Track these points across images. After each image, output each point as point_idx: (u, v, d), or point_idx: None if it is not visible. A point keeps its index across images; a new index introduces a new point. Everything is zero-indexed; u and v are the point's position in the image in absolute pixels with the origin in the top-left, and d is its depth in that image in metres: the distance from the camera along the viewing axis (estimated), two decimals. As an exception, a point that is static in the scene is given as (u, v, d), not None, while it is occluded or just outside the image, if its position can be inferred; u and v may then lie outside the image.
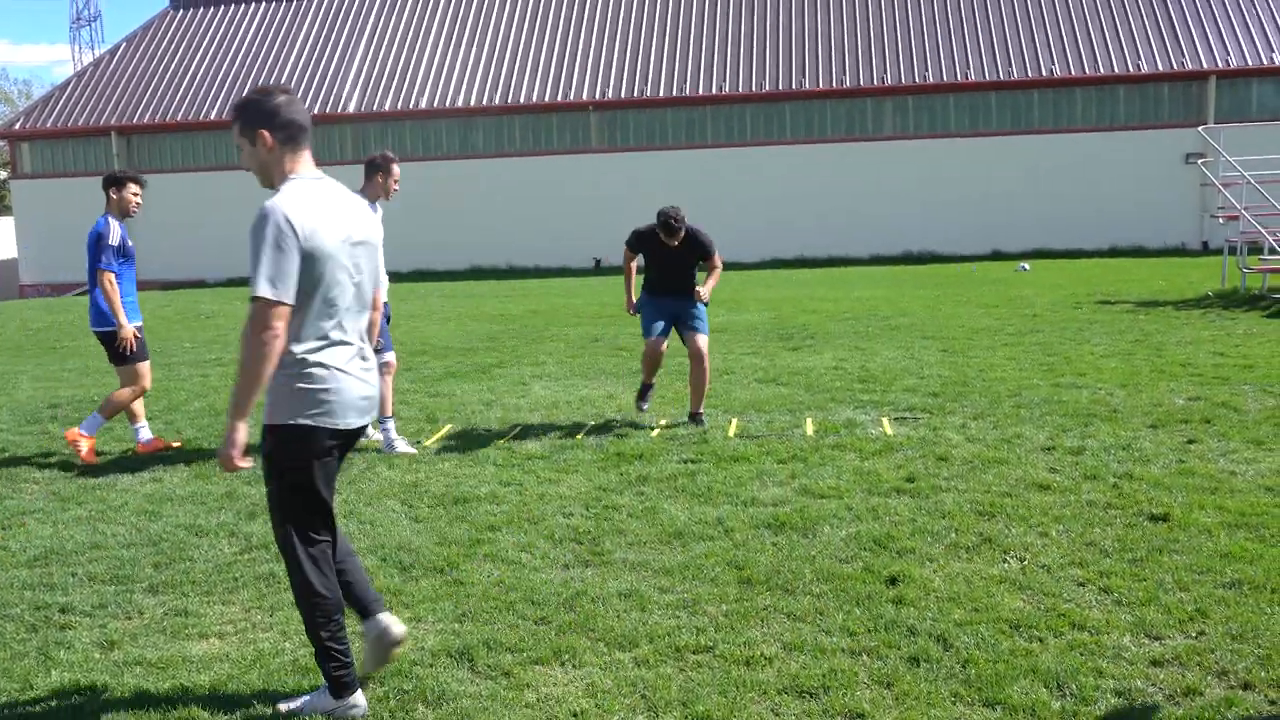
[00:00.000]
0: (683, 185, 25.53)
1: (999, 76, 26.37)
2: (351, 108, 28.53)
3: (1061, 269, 21.02)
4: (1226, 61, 25.70)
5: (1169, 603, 4.13)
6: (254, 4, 31.97)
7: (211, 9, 32.13)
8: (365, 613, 3.63)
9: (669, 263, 7.70)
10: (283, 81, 29.35)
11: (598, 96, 27.82)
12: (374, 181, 7.22)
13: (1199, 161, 22.97)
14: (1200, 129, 20.22)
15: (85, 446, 7.13)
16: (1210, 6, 26.85)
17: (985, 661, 3.69)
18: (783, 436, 7.19)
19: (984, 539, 4.95)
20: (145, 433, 7.47)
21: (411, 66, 29.30)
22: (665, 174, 26.78)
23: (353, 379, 3.40)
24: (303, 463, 3.34)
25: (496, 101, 28.16)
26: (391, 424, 7.20)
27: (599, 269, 27.20)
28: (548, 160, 28.15)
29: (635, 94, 27.71)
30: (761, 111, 27.52)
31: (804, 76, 27.31)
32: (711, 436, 7.23)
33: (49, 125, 29.77)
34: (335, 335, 3.35)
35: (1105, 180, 25.82)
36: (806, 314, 14.38)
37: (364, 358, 3.48)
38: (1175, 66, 25.82)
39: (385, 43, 30.02)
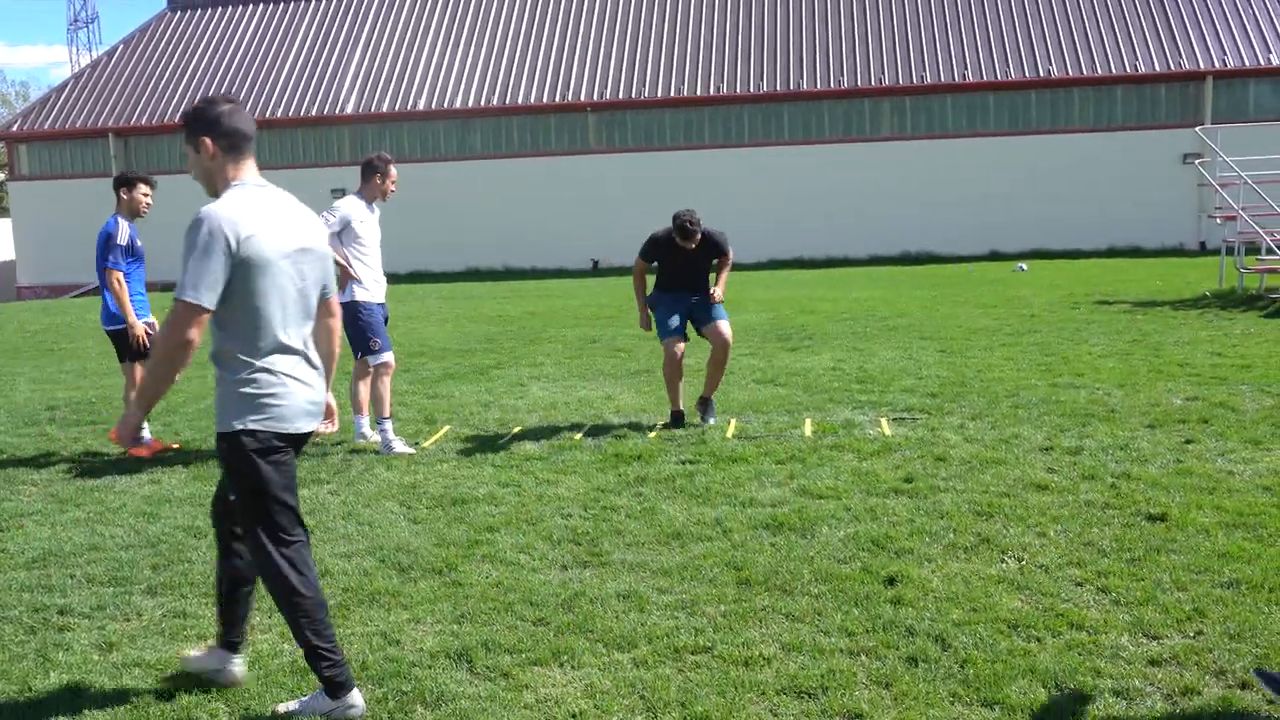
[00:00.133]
0: (681, 186, 25.50)
1: (996, 77, 26.39)
2: (349, 109, 28.53)
3: (1059, 269, 21.04)
4: (1224, 62, 25.73)
5: (1167, 602, 4.13)
6: (252, 6, 31.96)
7: (209, 11, 32.13)
8: (229, 643, 3.66)
9: (684, 267, 7.65)
10: (281, 83, 29.37)
11: (595, 97, 27.82)
12: (371, 183, 7.22)
13: (1196, 162, 23.00)
14: (1197, 129, 20.25)
15: (144, 449, 7.27)
16: (1207, 7, 26.88)
17: (983, 661, 3.69)
18: (781, 437, 7.19)
19: (982, 539, 4.95)
20: (144, 434, 7.47)
21: (409, 68, 29.30)
22: (663, 175, 26.78)
23: (299, 384, 3.45)
24: (256, 468, 3.38)
25: (494, 102, 28.16)
26: (389, 425, 7.20)
27: (597, 270, 27.20)
28: (545, 161, 28.15)
29: (633, 95, 27.71)
30: (760, 112, 27.53)
31: (802, 77, 27.32)
32: (710, 437, 7.23)
33: (46, 127, 29.76)
34: (279, 341, 3.40)
35: (1103, 181, 25.84)
36: (805, 315, 14.39)
37: (310, 364, 3.52)
38: (1172, 67, 25.85)
39: (383, 44, 30.02)
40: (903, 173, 26.64)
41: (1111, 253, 25.02)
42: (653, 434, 7.41)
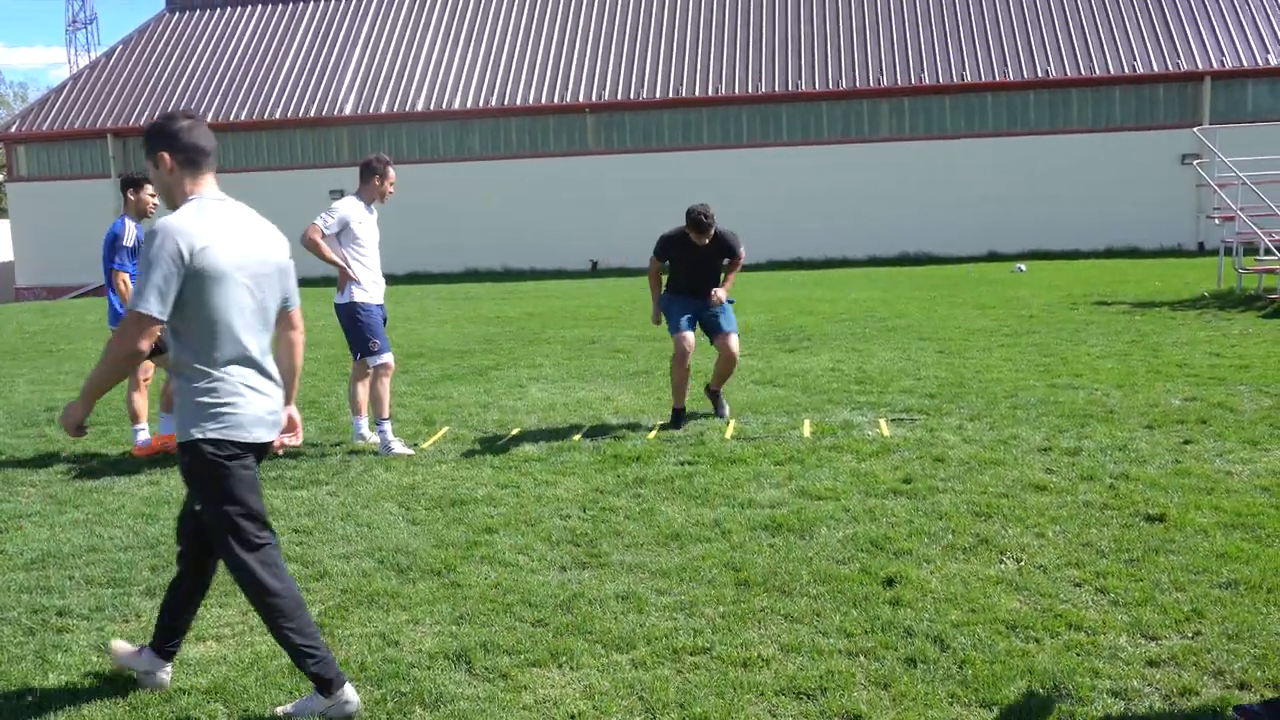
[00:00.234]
0: (679, 187, 25.46)
1: (995, 78, 26.39)
2: (348, 110, 28.52)
3: (1058, 270, 21.05)
4: (1221, 62, 25.74)
5: (1165, 603, 4.14)
6: (250, 7, 31.95)
7: (208, 12, 32.12)
8: (162, 649, 3.68)
9: (697, 267, 7.65)
10: (279, 84, 29.36)
11: (594, 98, 27.82)
12: (369, 184, 7.22)
13: (1195, 162, 23.00)
14: (1196, 130, 20.27)
15: (145, 449, 7.39)
16: (1205, 7, 26.90)
17: (982, 662, 3.69)
18: (780, 438, 7.19)
19: (981, 540, 4.95)
20: (144, 435, 7.49)
21: (408, 69, 29.30)
22: (662, 176, 26.77)
23: (257, 394, 3.49)
24: (218, 476, 3.42)
25: (493, 104, 28.15)
26: (388, 426, 7.20)
27: (595, 271, 27.20)
28: (544, 162, 28.15)
29: (631, 96, 27.72)
30: (758, 113, 27.54)
31: (800, 78, 27.33)
32: (708, 438, 7.24)
33: (45, 128, 29.75)
34: (236, 352, 3.44)
35: (1101, 181, 25.85)
36: (803, 315, 14.39)
37: (267, 375, 3.56)
38: (1170, 67, 25.86)
39: (381, 45, 30.02)
40: (901, 173, 26.65)
41: (1110, 253, 25.03)
42: (651, 435, 7.42)
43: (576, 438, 7.38)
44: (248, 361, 3.47)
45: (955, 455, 6.51)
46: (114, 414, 8.67)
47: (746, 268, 26.39)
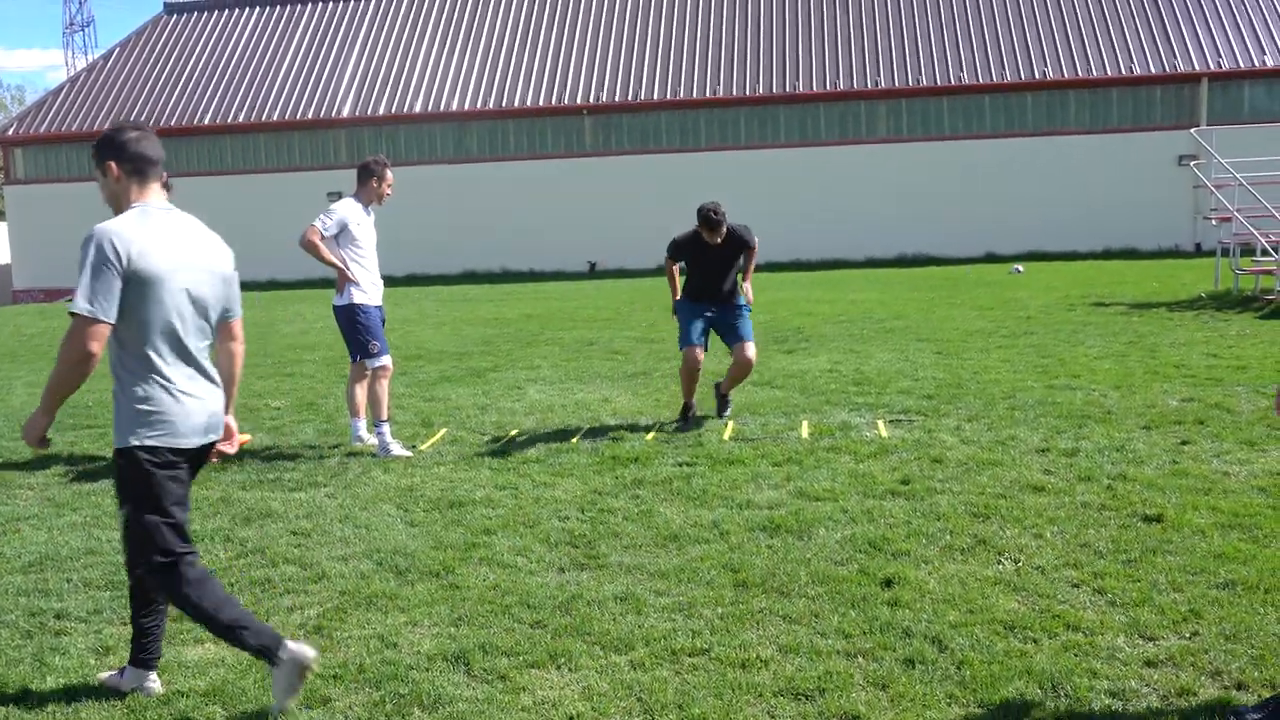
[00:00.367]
0: (677, 188, 25.52)
1: (992, 79, 26.41)
2: (346, 112, 28.51)
3: (1055, 271, 21.06)
4: (1218, 64, 25.77)
5: (1163, 603, 4.14)
6: (248, 9, 31.94)
7: (205, 14, 32.10)
8: (141, 661, 3.69)
9: (711, 265, 7.62)
10: (277, 86, 29.35)
11: (592, 100, 27.82)
12: (367, 186, 7.22)
13: (1192, 164, 23.03)
14: (1193, 131, 20.29)
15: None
16: (1202, 9, 26.93)
17: (980, 663, 3.70)
18: (778, 439, 7.20)
19: (979, 541, 4.96)
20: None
21: (406, 71, 29.29)
22: (659, 177, 26.78)
23: (194, 400, 3.53)
24: (151, 483, 3.45)
25: (491, 105, 28.15)
26: (387, 428, 7.19)
27: (594, 272, 27.20)
28: (542, 164, 28.14)
29: (629, 98, 27.72)
30: (755, 114, 27.55)
31: (797, 79, 27.34)
32: (706, 439, 7.24)
33: (42, 130, 29.73)
34: (176, 357, 3.49)
35: (1098, 183, 25.86)
36: (801, 317, 14.39)
37: (208, 379, 3.60)
38: (1167, 69, 25.89)
39: (379, 47, 30.01)
40: (899, 175, 26.66)
41: (1107, 254, 25.05)
42: (649, 436, 7.42)
43: (574, 439, 7.38)
44: (187, 367, 3.52)
45: (953, 456, 6.51)
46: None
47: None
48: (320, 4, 31.67)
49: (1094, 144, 26.15)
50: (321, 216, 7.12)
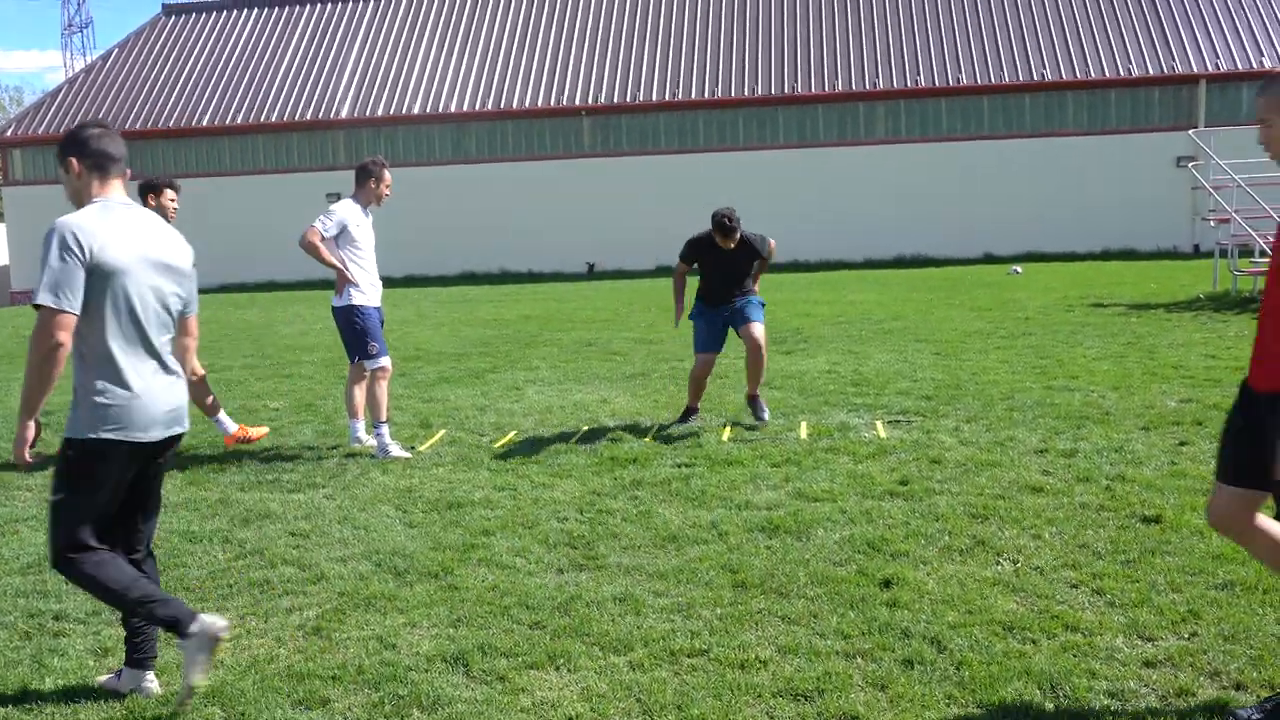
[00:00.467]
0: (676, 189, 25.54)
1: (990, 80, 26.43)
2: (344, 113, 28.51)
3: (1054, 272, 21.08)
4: (1216, 65, 25.80)
5: (1161, 604, 4.15)
6: (247, 10, 31.94)
7: (204, 15, 32.10)
8: (136, 661, 3.70)
9: (725, 270, 7.67)
10: (276, 87, 29.35)
11: (590, 101, 27.83)
12: (366, 187, 7.23)
13: (1190, 165, 23.04)
14: (1191, 132, 20.29)
15: (240, 433, 7.55)
16: (1200, 10, 26.96)
17: (979, 664, 3.70)
18: (776, 440, 7.20)
19: (977, 541, 4.96)
20: (228, 422, 7.65)
21: (404, 72, 29.29)
22: (658, 178, 26.80)
23: (154, 393, 3.54)
24: (98, 477, 3.47)
25: (489, 106, 28.15)
26: (385, 429, 7.19)
27: (592, 273, 27.20)
28: (540, 165, 28.14)
29: (627, 99, 27.73)
30: (754, 116, 27.56)
31: (796, 81, 27.36)
32: (705, 440, 7.24)
33: (41, 132, 29.71)
34: (136, 349, 3.52)
35: (1097, 183, 25.88)
36: (800, 317, 14.40)
37: (168, 371, 3.63)
38: (1165, 70, 25.91)
39: (378, 48, 30.01)
40: (897, 176, 26.67)
41: (1105, 255, 25.07)
42: (648, 437, 7.42)
43: (573, 440, 7.38)
44: (149, 360, 3.54)
45: (952, 457, 6.51)
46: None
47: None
48: (319, 5, 31.67)
49: (1092, 145, 26.17)
50: (321, 217, 7.12)
